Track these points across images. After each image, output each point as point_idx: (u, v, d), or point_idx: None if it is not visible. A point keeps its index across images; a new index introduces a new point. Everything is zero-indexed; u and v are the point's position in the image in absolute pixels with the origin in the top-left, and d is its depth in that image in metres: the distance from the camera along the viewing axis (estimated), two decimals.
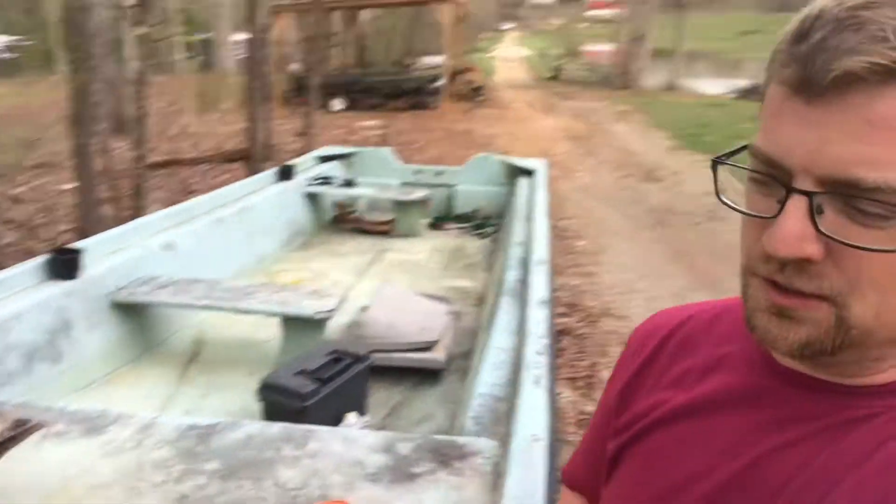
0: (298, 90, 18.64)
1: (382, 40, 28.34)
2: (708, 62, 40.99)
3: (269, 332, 3.05)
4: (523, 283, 2.67)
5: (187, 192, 8.76)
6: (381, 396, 2.69)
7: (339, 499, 1.39)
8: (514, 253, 3.13)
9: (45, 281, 2.61)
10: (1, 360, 2.24)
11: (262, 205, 4.29)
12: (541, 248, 2.99)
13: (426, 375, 2.82)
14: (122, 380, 2.72)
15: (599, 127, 15.91)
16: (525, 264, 2.88)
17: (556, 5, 72.30)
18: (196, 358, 2.95)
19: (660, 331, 0.71)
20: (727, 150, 0.56)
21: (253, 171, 8.47)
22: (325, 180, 5.04)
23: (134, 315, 2.89)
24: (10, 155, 9.77)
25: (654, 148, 13.12)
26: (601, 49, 44.69)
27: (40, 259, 2.66)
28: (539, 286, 2.49)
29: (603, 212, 8.56)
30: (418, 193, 4.90)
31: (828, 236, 0.47)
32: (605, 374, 3.19)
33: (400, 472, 1.49)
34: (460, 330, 3.17)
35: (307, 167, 5.21)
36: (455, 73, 19.36)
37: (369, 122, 15.61)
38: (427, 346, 2.83)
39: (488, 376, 1.95)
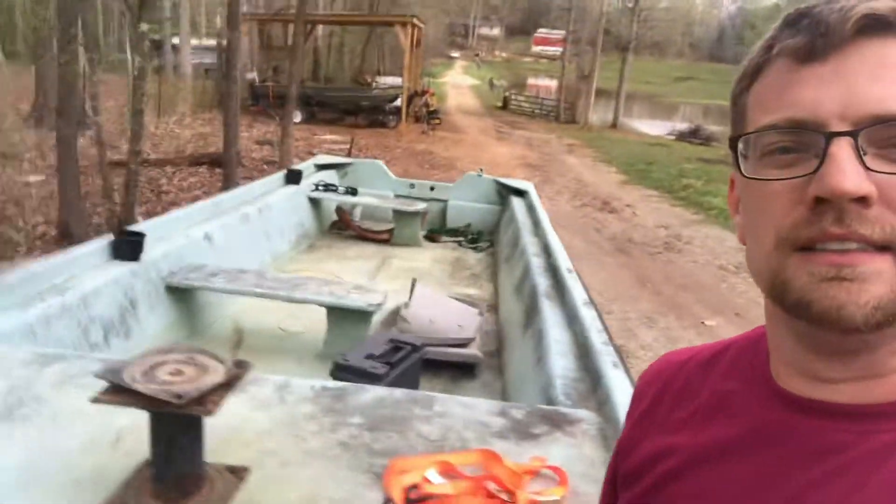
0: (255, 98, 18.62)
1: (336, 57, 28.54)
2: (646, 104, 43.12)
3: (309, 322, 3.21)
4: (557, 288, 2.95)
5: (158, 192, 8.67)
6: (425, 385, 2.89)
7: (482, 448, 1.60)
8: (536, 262, 3.41)
9: (110, 261, 2.70)
10: (87, 331, 2.33)
11: (276, 205, 4.42)
12: (564, 259, 3.28)
13: (464, 369, 3.03)
14: None
15: (552, 157, 16.55)
16: (553, 272, 3.17)
17: (502, 38, 74.41)
18: (241, 343, 3.07)
19: (661, 375, 0.68)
20: (737, 134, 0.54)
21: (227, 175, 8.49)
22: (328, 187, 5.21)
23: (186, 299, 3.00)
24: None
25: (606, 181, 13.78)
26: (546, 83, 46.32)
27: (104, 240, 2.74)
28: (578, 290, 2.78)
29: (566, 237, 8.97)
30: (418, 205, 5.13)
31: (877, 171, 0.46)
32: None
33: (523, 432, 1.71)
34: (483, 330, 3.41)
35: (308, 173, 5.37)
36: (412, 95, 19.74)
37: (330, 136, 15.72)
38: (465, 343, 3.06)
39: (559, 362, 2.20)
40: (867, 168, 0.46)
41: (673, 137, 24.79)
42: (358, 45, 28.17)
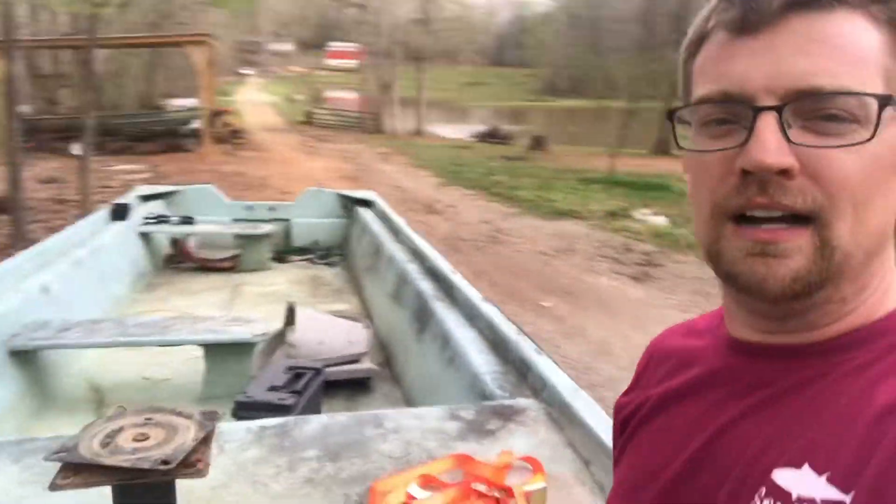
0: (29, 133, 16.46)
1: (118, 82, 26.16)
2: (443, 110, 44.97)
3: (177, 366, 2.95)
4: (446, 290, 3.00)
5: None
6: (325, 407, 2.79)
7: (450, 454, 1.60)
8: (412, 268, 3.44)
9: None
10: None
11: (106, 246, 3.98)
12: (444, 261, 3.34)
13: (357, 384, 2.97)
14: (35, 429, 2.43)
15: (368, 167, 16.64)
16: (436, 275, 3.21)
17: (294, 53, 73.18)
18: (104, 401, 2.73)
19: (655, 346, 0.73)
20: (674, 106, 0.57)
21: (17, 221, 7.43)
22: (160, 218, 4.79)
23: (32, 361, 2.59)
24: None
25: (424, 185, 14.17)
26: (345, 96, 46.42)
27: None
28: (470, 290, 2.85)
29: None
30: (264, 227, 4.91)
31: (800, 144, 0.48)
32: None
33: (479, 431, 1.73)
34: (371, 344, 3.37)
35: (134, 207, 4.89)
36: (212, 116, 18.73)
37: (125, 166, 14.38)
38: (357, 358, 3.00)
39: (477, 358, 2.25)
40: (790, 141, 0.48)
41: (474, 139, 26.14)
42: (140, 68, 26.09)
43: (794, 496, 0.48)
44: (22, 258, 3.17)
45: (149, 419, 1.18)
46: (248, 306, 4.09)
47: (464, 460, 1.54)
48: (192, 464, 1.08)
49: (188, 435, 1.14)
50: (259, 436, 1.67)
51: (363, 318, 3.54)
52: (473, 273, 7.86)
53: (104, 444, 1.10)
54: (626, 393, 0.72)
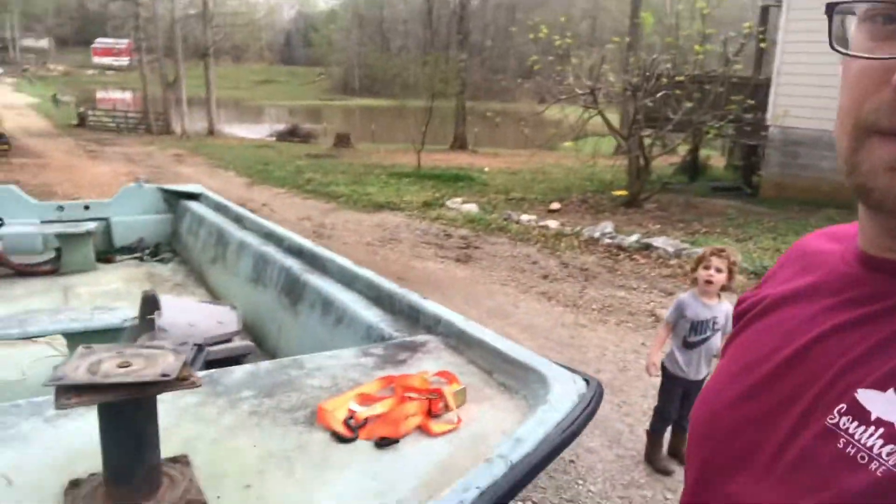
0: None
1: None
2: (234, 109, 43.13)
3: (28, 364, 2.76)
4: (314, 263, 3.13)
5: None
6: None
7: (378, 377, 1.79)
8: (272, 250, 3.50)
9: None
10: None
11: None
12: (303, 238, 3.46)
13: (231, 362, 3.00)
14: None
15: (164, 170, 15.60)
16: (299, 252, 3.32)
17: (53, 50, 65.24)
18: None
19: (790, 251, 0.73)
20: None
21: None
22: None
23: None
24: None
25: (232, 185, 13.68)
26: (121, 96, 42.57)
27: None
28: (339, 258, 3.01)
29: None
30: (87, 225, 4.58)
31: None
32: None
33: (393, 362, 1.95)
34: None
35: None
36: None
37: None
38: (230, 337, 3.03)
39: (366, 313, 2.45)
40: None
41: (273, 138, 25.57)
42: None
43: (874, 416, 0.48)
44: None
45: (121, 352, 1.25)
46: (88, 307, 3.84)
47: (391, 379, 1.75)
48: (185, 378, 1.19)
49: (169, 359, 1.24)
50: None
51: (227, 302, 3.53)
52: None
53: (91, 371, 1.16)
54: (751, 290, 0.75)
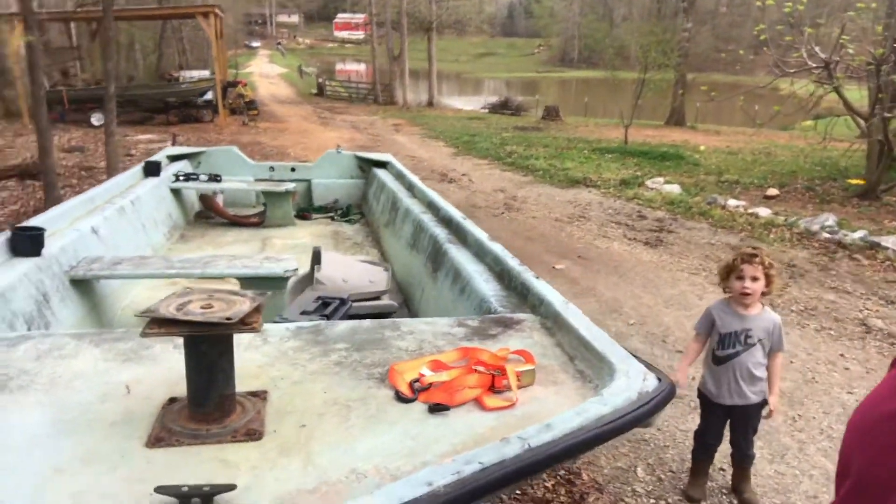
0: (48, 105, 16.83)
1: (127, 54, 26.47)
2: (455, 81, 44.92)
3: None
4: (458, 234, 3.27)
5: None
6: None
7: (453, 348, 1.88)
8: (427, 219, 3.71)
9: (11, 258, 2.56)
10: (13, 325, 2.24)
11: (144, 198, 4.29)
12: (455, 211, 3.61)
13: (378, 318, 3.26)
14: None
15: (382, 138, 16.86)
16: (448, 223, 3.48)
17: (302, 25, 72.95)
18: None
19: None
20: None
21: (48, 185, 7.77)
22: (189, 176, 5.08)
23: (91, 290, 2.90)
24: None
25: (438, 154, 14.38)
26: (356, 68, 46.39)
27: (1, 237, 2.60)
28: (478, 231, 3.11)
29: None
30: (288, 185, 5.19)
31: None
32: None
33: (483, 335, 2.01)
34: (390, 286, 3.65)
35: (164, 165, 5.19)
36: (226, 88, 18.99)
37: (144, 136, 14.72)
38: (378, 295, 3.29)
39: (483, 286, 2.52)
40: None
41: (486, 111, 26.22)
42: (150, 41, 26.38)
43: None
44: (72, 203, 3.48)
45: (211, 295, 1.47)
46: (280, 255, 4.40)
47: (468, 351, 1.82)
48: (248, 323, 1.37)
49: (244, 305, 1.43)
50: (296, 333, 1.96)
51: (383, 263, 3.83)
52: (489, 238, 8.12)
53: (179, 309, 1.39)
54: None
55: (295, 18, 76.18)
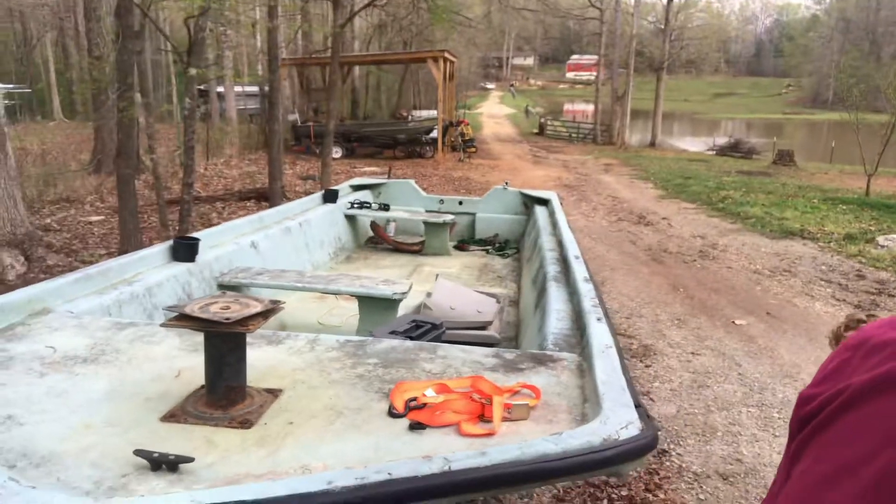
0: (297, 138, 19.57)
1: (374, 95, 29.66)
2: (686, 122, 43.03)
3: (345, 318, 3.60)
4: (564, 272, 3.27)
5: (209, 225, 9.31)
6: None
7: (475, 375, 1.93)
8: (550, 256, 3.73)
9: (169, 262, 3.14)
10: (152, 315, 2.76)
11: (315, 221, 4.87)
12: (573, 247, 3.59)
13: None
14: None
15: (588, 177, 16.79)
16: (563, 260, 3.48)
17: (536, 67, 75.34)
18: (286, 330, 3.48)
19: (852, 343, 0.71)
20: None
21: (273, 206, 9.05)
22: (363, 204, 5.65)
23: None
24: (31, 190, 10.26)
25: (643, 196, 13.93)
26: (582, 108, 46.65)
27: (165, 244, 3.20)
28: (580, 271, 3.08)
29: (601, 250, 9.20)
30: (445, 217, 5.51)
31: None
32: None
33: (510, 368, 2.03)
34: (504, 320, 3.73)
35: (344, 193, 5.83)
36: (447, 126, 20.36)
37: (369, 168, 16.35)
38: (483, 326, 3.38)
39: (554, 324, 2.52)
40: None
41: (713, 152, 24.73)
42: (394, 82, 29.26)
43: None
44: (244, 221, 4.11)
45: (236, 300, 1.72)
46: (420, 281, 4.68)
47: (477, 379, 1.86)
48: (245, 324, 1.60)
49: (253, 310, 1.66)
50: (342, 345, 2.16)
51: (501, 297, 3.91)
52: (670, 285, 7.69)
53: (201, 308, 1.66)
54: (812, 385, 0.71)
55: (530, 61, 79.13)
